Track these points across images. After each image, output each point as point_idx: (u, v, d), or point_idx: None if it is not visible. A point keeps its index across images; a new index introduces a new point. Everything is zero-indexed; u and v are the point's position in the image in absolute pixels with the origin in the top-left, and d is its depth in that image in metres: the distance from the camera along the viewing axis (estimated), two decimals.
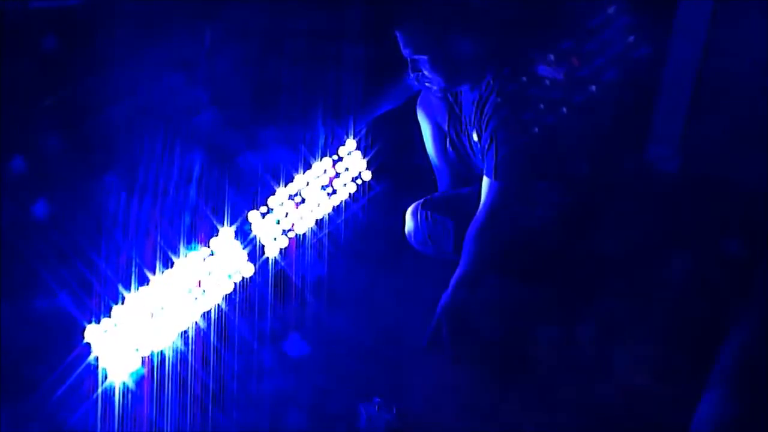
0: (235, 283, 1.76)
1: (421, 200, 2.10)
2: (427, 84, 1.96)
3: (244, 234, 1.84)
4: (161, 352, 1.61)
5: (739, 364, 1.56)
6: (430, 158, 2.27)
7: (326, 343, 1.88)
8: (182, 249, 1.69)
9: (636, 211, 2.27)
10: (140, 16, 2.05)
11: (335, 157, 2.12)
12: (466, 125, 2.05)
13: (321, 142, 2.11)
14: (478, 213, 1.89)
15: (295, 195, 2.00)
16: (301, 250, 2.03)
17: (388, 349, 1.87)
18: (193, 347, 1.68)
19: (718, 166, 2.46)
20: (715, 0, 2.35)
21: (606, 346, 1.85)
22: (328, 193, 2.09)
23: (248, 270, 1.80)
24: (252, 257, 1.83)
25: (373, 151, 2.20)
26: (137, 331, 1.55)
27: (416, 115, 2.25)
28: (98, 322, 1.52)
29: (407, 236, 2.12)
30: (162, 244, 1.68)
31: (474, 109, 1.96)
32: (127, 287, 1.59)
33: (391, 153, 2.27)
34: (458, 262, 1.86)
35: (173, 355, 1.64)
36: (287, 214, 1.96)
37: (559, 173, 1.98)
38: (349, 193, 2.16)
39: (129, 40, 2.02)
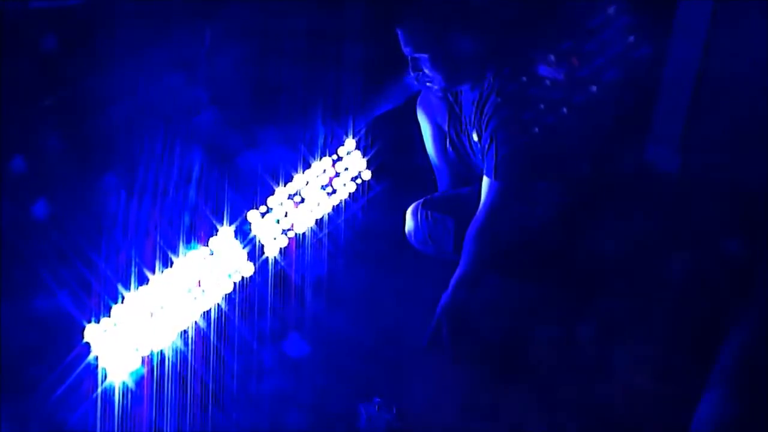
0: (235, 283, 1.76)
1: (422, 200, 2.10)
2: (427, 83, 1.96)
3: (243, 234, 1.84)
4: (161, 351, 1.61)
5: (739, 364, 1.56)
6: (430, 158, 2.27)
7: (326, 343, 1.88)
8: (182, 249, 1.69)
9: (636, 211, 2.27)
10: (140, 16, 2.05)
11: (335, 156, 2.12)
12: (466, 125, 2.05)
13: (320, 141, 2.11)
14: (477, 213, 1.89)
15: (295, 194, 1.99)
16: (301, 250, 2.03)
17: (388, 349, 1.86)
18: (193, 347, 1.68)
19: (718, 166, 2.45)
20: (715, 0, 2.35)
21: (606, 346, 1.85)
22: (328, 193, 2.09)
23: (248, 270, 1.79)
24: (252, 257, 1.83)
25: (372, 151, 2.20)
26: (137, 331, 1.55)
27: (416, 115, 2.25)
28: (98, 321, 1.52)
29: (407, 236, 2.12)
30: (162, 243, 1.68)
31: (474, 109, 1.96)
32: (127, 287, 1.58)
33: (391, 153, 2.27)
34: (458, 262, 1.86)
35: (173, 355, 1.64)
36: (287, 213, 1.96)
37: (559, 173, 1.98)
38: (349, 193, 2.16)
39: (129, 40, 2.02)
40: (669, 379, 1.75)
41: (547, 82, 1.94)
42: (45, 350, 1.62)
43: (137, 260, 1.64)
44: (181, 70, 2.14)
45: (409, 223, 2.10)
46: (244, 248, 1.80)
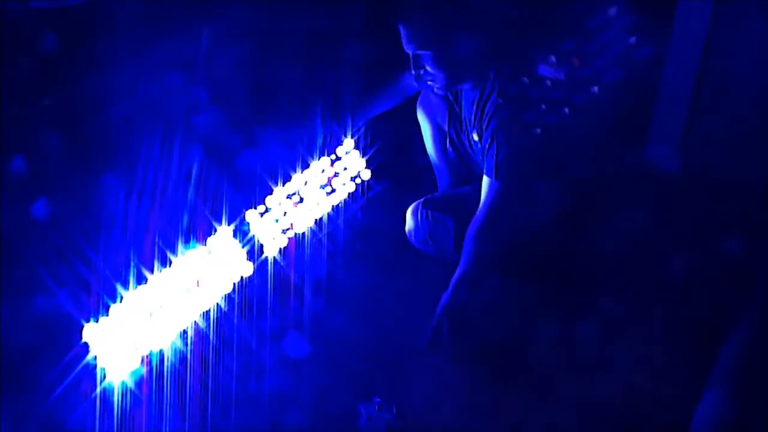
0: (234, 283, 1.76)
1: (422, 199, 2.10)
2: (429, 81, 1.96)
3: (242, 233, 1.84)
4: (160, 351, 1.61)
5: (739, 364, 1.56)
6: (430, 158, 2.27)
7: (326, 343, 1.87)
8: (181, 248, 1.69)
9: (636, 211, 2.27)
10: (140, 16, 2.05)
11: (333, 156, 2.12)
12: (466, 125, 2.04)
13: (319, 141, 2.11)
14: (477, 213, 1.89)
15: (293, 194, 1.99)
16: (300, 250, 2.03)
17: (388, 349, 1.86)
18: (193, 347, 1.68)
19: (718, 166, 2.45)
20: (715, 0, 2.35)
21: (606, 346, 1.84)
22: (327, 193, 2.09)
23: (247, 269, 1.79)
24: (251, 257, 1.83)
25: (372, 151, 2.20)
26: (136, 331, 1.55)
27: (416, 115, 2.25)
28: (97, 321, 1.51)
29: (407, 235, 2.11)
30: (161, 243, 1.68)
31: (474, 109, 1.95)
32: (126, 286, 1.58)
33: (391, 152, 2.27)
34: (458, 261, 1.86)
35: (172, 355, 1.63)
36: (285, 213, 1.96)
37: (559, 173, 1.98)
38: (349, 193, 2.15)
39: (129, 40, 2.02)
40: (669, 379, 1.75)
41: (548, 82, 1.94)
42: (44, 350, 1.62)
43: (136, 260, 1.63)
44: (181, 70, 2.14)
45: (409, 223, 2.10)
46: (243, 248, 1.80)
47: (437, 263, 2.05)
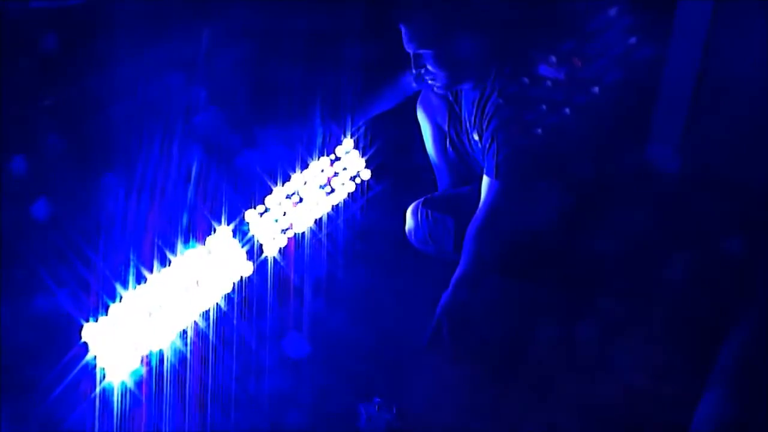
0: (234, 283, 1.76)
1: (422, 199, 2.10)
2: (429, 81, 1.96)
3: (242, 233, 1.84)
4: (160, 351, 1.61)
5: (739, 364, 1.56)
6: (430, 158, 2.27)
7: (326, 343, 1.87)
8: (180, 248, 1.68)
9: (636, 211, 2.27)
10: (140, 16, 2.05)
11: (333, 156, 2.12)
12: (466, 125, 2.04)
13: (319, 141, 2.11)
14: (477, 212, 1.89)
15: (293, 194, 1.99)
16: (300, 250, 2.03)
17: (388, 349, 1.86)
18: (192, 347, 1.68)
19: (718, 166, 2.45)
20: (715, 0, 2.35)
21: (606, 346, 1.84)
22: (327, 193, 2.09)
23: (247, 269, 1.79)
24: (251, 256, 1.83)
25: (372, 151, 2.20)
26: (135, 331, 1.55)
27: (416, 115, 2.25)
28: (96, 321, 1.51)
29: (407, 235, 2.11)
30: (160, 243, 1.68)
31: (474, 109, 1.95)
32: (125, 286, 1.58)
33: (391, 153, 2.27)
34: (458, 261, 1.86)
35: (172, 355, 1.63)
36: (285, 213, 1.96)
37: (559, 173, 1.98)
38: (348, 193, 2.15)
39: (129, 40, 2.02)
40: (669, 379, 1.75)
41: (549, 82, 1.94)
42: (43, 350, 1.62)
43: (136, 260, 1.63)
44: (181, 70, 2.14)
45: (409, 223, 2.10)
46: (242, 248, 1.80)
47: (437, 263, 2.05)
